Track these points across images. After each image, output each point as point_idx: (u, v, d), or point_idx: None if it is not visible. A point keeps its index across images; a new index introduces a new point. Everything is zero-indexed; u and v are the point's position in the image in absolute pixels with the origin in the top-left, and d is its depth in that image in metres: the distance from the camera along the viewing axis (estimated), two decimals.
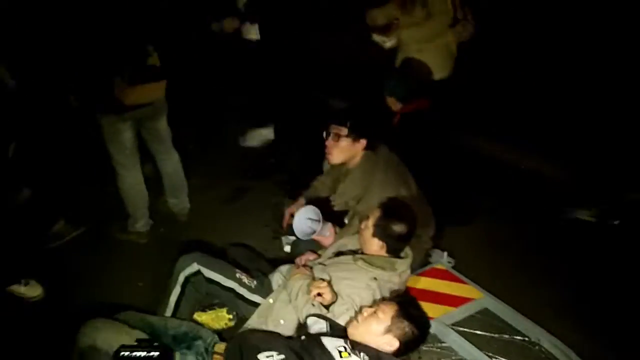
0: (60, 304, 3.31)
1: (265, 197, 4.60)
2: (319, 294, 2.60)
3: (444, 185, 3.96)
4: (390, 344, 2.38)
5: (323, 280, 2.70)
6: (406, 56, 4.46)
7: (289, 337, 2.58)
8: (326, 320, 2.55)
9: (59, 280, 3.47)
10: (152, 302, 3.05)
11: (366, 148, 3.36)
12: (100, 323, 2.47)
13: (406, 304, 2.49)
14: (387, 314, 2.41)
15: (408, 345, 2.43)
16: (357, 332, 2.43)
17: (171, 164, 3.96)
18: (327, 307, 2.64)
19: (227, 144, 5.48)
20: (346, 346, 2.33)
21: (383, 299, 2.63)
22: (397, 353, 2.41)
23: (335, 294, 2.66)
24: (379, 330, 2.39)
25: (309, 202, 3.55)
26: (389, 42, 4.49)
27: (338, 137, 3.33)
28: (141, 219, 3.93)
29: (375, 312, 2.44)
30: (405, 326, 2.39)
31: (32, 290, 3.36)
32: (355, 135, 3.33)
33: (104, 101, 3.38)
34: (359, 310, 2.56)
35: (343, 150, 3.36)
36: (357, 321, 2.46)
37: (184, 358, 2.41)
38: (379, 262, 2.79)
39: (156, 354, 2.27)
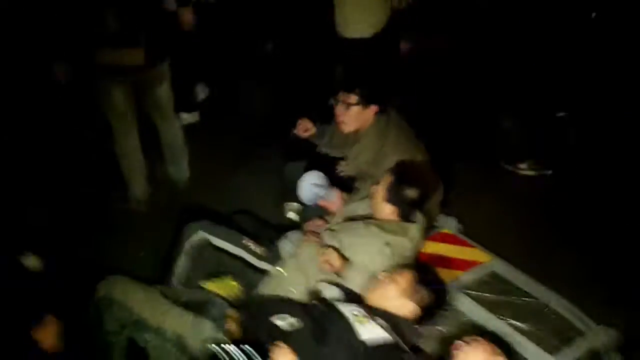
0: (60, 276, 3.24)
1: (268, 162, 4.51)
2: (329, 263, 2.55)
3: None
4: (407, 307, 2.34)
5: (331, 247, 2.65)
6: None
7: (303, 303, 2.54)
8: (338, 287, 2.51)
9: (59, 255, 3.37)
10: (155, 272, 3.00)
11: (377, 112, 3.30)
12: (119, 277, 2.47)
13: (423, 271, 2.46)
14: (404, 278, 2.38)
15: (425, 312, 2.39)
16: (374, 296, 2.39)
17: (171, 132, 3.92)
18: (337, 274, 2.59)
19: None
20: (361, 310, 2.29)
21: (399, 266, 2.59)
22: (415, 319, 2.37)
23: (344, 261, 2.61)
24: (397, 294, 2.35)
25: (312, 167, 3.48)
26: None
27: (348, 105, 3.28)
28: (138, 187, 3.89)
29: (392, 276, 2.40)
30: (423, 292, 2.36)
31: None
32: (365, 101, 3.28)
33: (88, 64, 3.41)
34: (375, 275, 2.52)
35: (354, 117, 3.33)
36: (374, 285, 2.42)
37: (202, 325, 2.36)
38: (391, 227, 2.73)
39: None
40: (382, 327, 2.23)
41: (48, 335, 2.45)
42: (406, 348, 2.19)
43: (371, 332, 2.19)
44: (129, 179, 3.86)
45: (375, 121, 3.34)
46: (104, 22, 3.25)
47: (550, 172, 4.65)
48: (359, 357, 2.13)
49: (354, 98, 3.29)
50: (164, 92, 3.71)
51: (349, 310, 2.29)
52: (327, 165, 3.47)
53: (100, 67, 3.41)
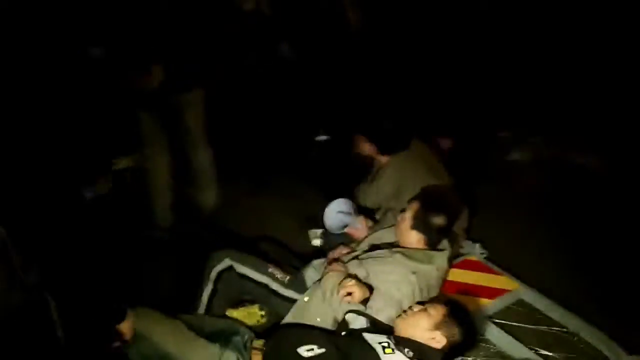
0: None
1: (290, 188, 4.53)
2: (349, 294, 2.52)
3: None
4: (437, 340, 2.31)
5: (351, 277, 2.62)
6: None
7: (331, 332, 2.52)
8: (366, 317, 2.49)
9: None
10: (181, 300, 2.99)
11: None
12: (141, 310, 2.45)
13: (456, 308, 2.42)
14: (438, 311, 2.35)
15: (455, 347, 2.36)
16: (405, 324, 2.36)
17: (199, 160, 3.88)
18: (364, 304, 2.57)
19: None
20: (389, 341, 2.28)
21: (432, 298, 2.57)
22: (442, 355, 2.34)
23: (367, 289, 2.58)
24: (428, 326, 2.32)
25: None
26: None
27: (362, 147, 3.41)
28: (161, 212, 3.88)
29: (426, 308, 2.37)
30: (455, 328, 2.33)
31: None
32: (380, 152, 3.41)
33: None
34: (400, 305, 2.51)
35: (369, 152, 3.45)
36: (406, 315, 2.39)
37: (224, 352, 2.35)
38: (417, 255, 2.71)
39: None
40: (409, 358, 2.21)
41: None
42: None
43: None
44: (153, 202, 3.87)
45: (393, 157, 3.37)
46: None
47: None
48: None
49: (368, 147, 3.41)
50: (191, 120, 3.69)
51: (377, 341, 2.27)
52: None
53: (124, 91, 3.53)
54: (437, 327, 2.31)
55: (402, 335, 2.34)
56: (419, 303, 2.45)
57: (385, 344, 2.26)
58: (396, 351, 2.24)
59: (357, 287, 2.53)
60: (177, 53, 3.38)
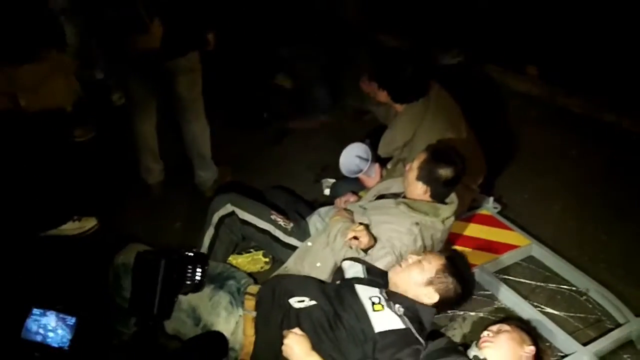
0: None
1: (307, 139, 4.47)
2: (356, 238, 2.48)
3: None
4: (429, 296, 2.27)
5: (361, 224, 2.59)
6: None
7: (324, 283, 2.50)
8: (362, 264, 2.47)
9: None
10: (188, 243, 3.01)
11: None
12: (138, 245, 2.42)
13: (454, 260, 2.37)
14: (432, 265, 2.31)
15: (448, 302, 2.33)
16: (398, 278, 2.33)
17: (190, 134, 3.62)
18: (365, 250, 2.55)
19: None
20: (381, 297, 2.24)
21: (431, 250, 2.52)
22: (436, 307, 2.31)
23: (373, 239, 2.55)
24: (421, 280, 2.28)
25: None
26: None
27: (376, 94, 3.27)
28: (148, 170, 3.74)
29: (420, 261, 2.33)
30: (449, 282, 2.28)
31: (87, 222, 3.41)
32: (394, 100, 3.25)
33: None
34: (401, 256, 2.48)
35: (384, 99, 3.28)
36: (400, 266, 2.35)
37: (215, 294, 2.35)
38: (422, 207, 2.64)
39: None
40: (398, 315, 2.17)
41: None
42: (420, 340, 2.13)
43: (386, 322, 2.14)
44: (140, 159, 3.71)
45: (409, 105, 3.21)
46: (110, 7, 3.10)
47: None
48: (368, 351, 2.09)
49: (383, 95, 3.24)
50: (184, 87, 3.42)
51: (368, 295, 2.24)
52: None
53: (117, 53, 3.32)
54: (430, 282, 2.28)
55: (394, 290, 2.32)
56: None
57: (376, 299, 2.22)
58: (386, 307, 2.19)
59: (365, 232, 2.50)
60: (174, 11, 3.17)
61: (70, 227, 3.36)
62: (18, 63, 2.98)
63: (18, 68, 2.98)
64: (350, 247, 2.51)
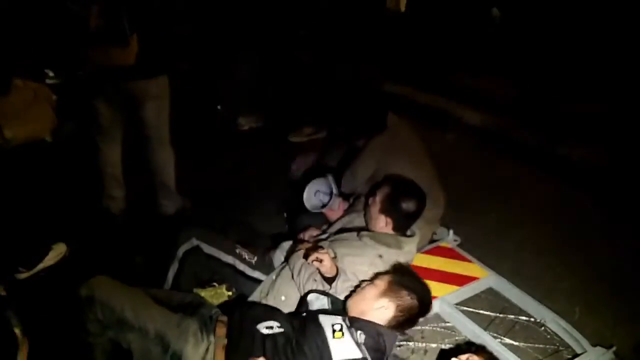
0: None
1: (268, 171, 4.49)
2: (319, 260, 2.50)
3: None
4: (386, 307, 2.32)
5: (323, 248, 2.62)
6: None
7: (290, 313, 2.52)
8: (327, 296, 2.49)
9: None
10: (150, 278, 2.98)
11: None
12: (102, 278, 2.40)
13: (403, 273, 2.45)
14: (383, 280, 2.39)
15: (408, 316, 2.37)
16: (354, 302, 2.38)
17: (154, 162, 3.62)
18: (329, 283, 2.57)
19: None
20: (342, 324, 2.27)
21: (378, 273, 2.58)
22: (398, 325, 2.36)
23: (336, 267, 2.58)
24: (375, 295, 2.35)
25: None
26: None
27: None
28: (111, 198, 3.72)
29: (371, 281, 2.42)
30: (403, 291, 2.35)
31: (59, 248, 3.36)
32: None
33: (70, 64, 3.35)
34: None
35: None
36: (355, 292, 2.42)
37: (184, 321, 2.31)
38: (385, 239, 2.71)
39: None
40: (357, 343, 2.20)
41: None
42: None
43: (344, 351, 2.17)
44: (103, 187, 3.69)
45: (373, 140, 3.28)
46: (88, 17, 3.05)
47: None
48: None
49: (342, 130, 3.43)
50: (150, 114, 3.41)
51: (330, 323, 2.27)
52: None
53: (86, 69, 3.26)
54: (384, 294, 2.34)
55: (353, 314, 2.35)
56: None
57: (338, 327, 2.25)
58: (347, 334, 2.22)
59: (329, 257, 2.53)
60: (154, 30, 3.18)
61: (50, 257, 3.31)
62: (3, 93, 2.98)
63: (3, 98, 2.99)
64: (315, 280, 2.53)
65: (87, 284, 2.36)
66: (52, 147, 3.40)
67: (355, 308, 2.35)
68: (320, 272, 2.56)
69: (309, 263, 2.55)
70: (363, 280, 2.52)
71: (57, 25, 3.21)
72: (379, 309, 2.32)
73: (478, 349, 2.52)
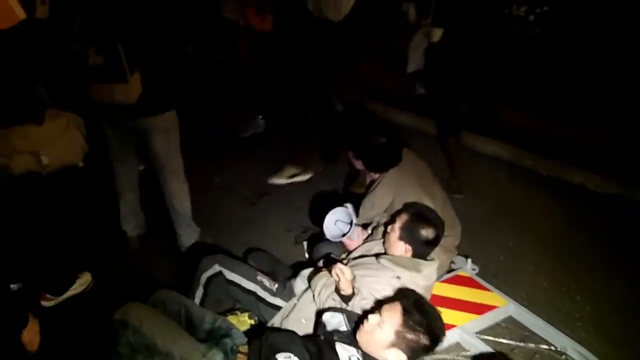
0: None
1: (287, 201, 4.56)
2: (341, 271, 2.55)
3: None
4: (397, 356, 2.27)
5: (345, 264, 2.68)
6: None
7: (308, 336, 2.55)
8: (342, 313, 2.50)
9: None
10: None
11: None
12: (136, 305, 2.46)
13: (413, 307, 2.30)
14: (392, 322, 2.27)
15: (419, 351, 2.31)
16: (363, 341, 2.33)
17: (167, 191, 3.63)
18: (346, 301, 2.61)
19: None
20: (359, 357, 2.29)
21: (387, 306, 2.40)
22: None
23: (352, 288, 2.63)
24: (385, 343, 2.27)
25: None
26: None
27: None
28: (128, 221, 3.80)
29: (379, 324, 2.29)
30: (413, 337, 2.26)
31: (85, 277, 3.41)
32: (370, 169, 3.49)
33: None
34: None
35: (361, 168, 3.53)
36: (363, 327, 2.34)
37: (209, 351, 2.35)
38: (403, 262, 2.74)
39: None
40: None
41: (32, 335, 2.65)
42: None
43: None
44: (122, 216, 3.77)
45: (386, 173, 3.39)
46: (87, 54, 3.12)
47: None
48: None
49: (359, 164, 3.49)
50: (159, 145, 3.42)
51: (347, 355, 2.29)
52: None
53: (93, 104, 3.27)
54: (393, 344, 2.26)
55: (364, 350, 2.33)
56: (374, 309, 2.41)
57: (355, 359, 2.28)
58: None
59: (349, 272, 2.58)
60: (155, 69, 3.22)
61: (77, 285, 3.37)
62: (39, 123, 3.08)
63: (39, 127, 3.09)
64: (334, 300, 2.59)
65: (122, 309, 2.43)
66: (85, 172, 3.50)
67: (366, 347, 2.32)
68: (337, 291, 2.60)
69: (330, 275, 2.61)
70: (378, 301, 2.52)
71: (60, 63, 3.33)
72: (391, 356, 2.28)
73: None
